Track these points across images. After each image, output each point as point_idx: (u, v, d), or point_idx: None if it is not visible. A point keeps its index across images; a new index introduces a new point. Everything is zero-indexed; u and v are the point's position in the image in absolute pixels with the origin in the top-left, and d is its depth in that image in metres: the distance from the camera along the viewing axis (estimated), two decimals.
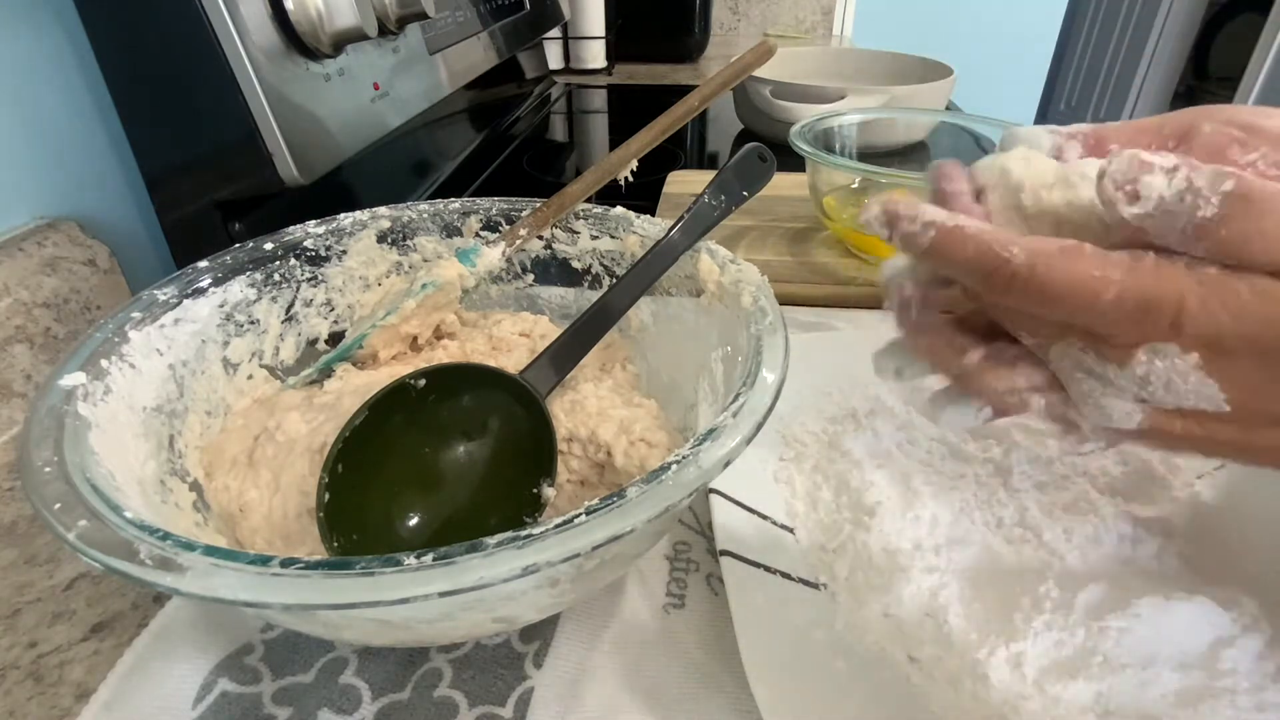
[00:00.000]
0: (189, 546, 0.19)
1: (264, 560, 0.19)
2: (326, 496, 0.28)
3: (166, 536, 0.20)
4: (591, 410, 0.33)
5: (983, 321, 0.24)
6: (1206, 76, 2.58)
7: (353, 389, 0.34)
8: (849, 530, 0.32)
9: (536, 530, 0.19)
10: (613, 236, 0.38)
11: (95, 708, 0.27)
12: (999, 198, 0.23)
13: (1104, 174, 0.20)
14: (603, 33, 1.30)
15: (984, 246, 0.21)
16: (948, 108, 0.96)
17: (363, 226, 0.38)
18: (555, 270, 0.40)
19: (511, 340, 0.38)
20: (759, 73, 0.80)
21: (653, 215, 0.38)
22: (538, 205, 0.39)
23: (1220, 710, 0.24)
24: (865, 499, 0.33)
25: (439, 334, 0.39)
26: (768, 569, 0.30)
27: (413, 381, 0.31)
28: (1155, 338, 0.20)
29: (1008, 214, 0.23)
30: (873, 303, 0.54)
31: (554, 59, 1.30)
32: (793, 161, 0.55)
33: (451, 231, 0.40)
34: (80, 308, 0.46)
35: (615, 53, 1.34)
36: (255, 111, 0.45)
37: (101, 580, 0.33)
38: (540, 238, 0.40)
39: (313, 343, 0.38)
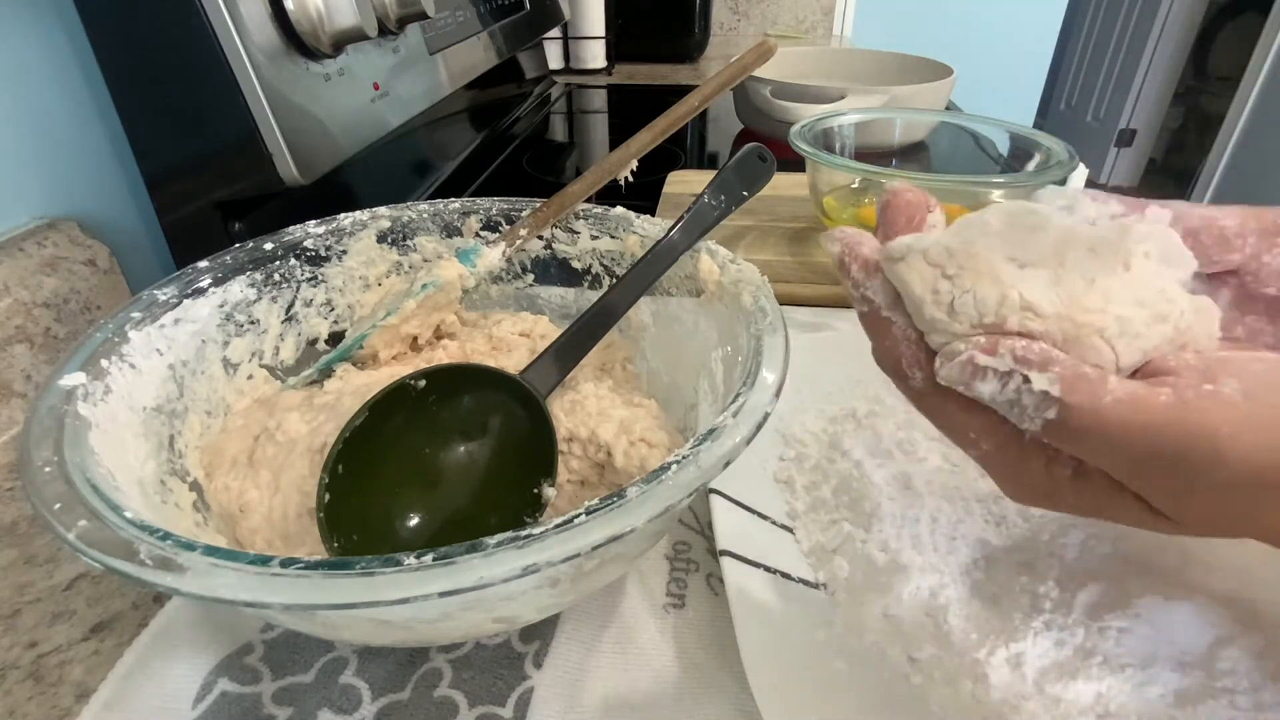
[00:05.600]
0: (189, 546, 0.19)
1: (264, 560, 0.19)
2: (326, 497, 0.28)
3: (166, 536, 0.20)
4: (591, 410, 0.33)
5: None
6: (1206, 76, 2.58)
7: (353, 389, 0.34)
8: (849, 530, 0.32)
9: (536, 530, 0.19)
10: (613, 236, 0.38)
11: (95, 708, 0.27)
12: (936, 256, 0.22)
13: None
14: (603, 33, 1.30)
15: (896, 363, 0.22)
16: (948, 108, 0.96)
17: (363, 226, 0.38)
18: (555, 270, 0.40)
19: (511, 340, 0.38)
20: (759, 73, 0.80)
21: (653, 215, 0.38)
22: (538, 205, 0.39)
23: (1220, 710, 0.24)
24: (865, 499, 0.33)
25: (439, 334, 0.39)
26: (768, 569, 0.30)
27: (413, 382, 0.31)
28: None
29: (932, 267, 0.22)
30: None
31: (554, 59, 1.30)
32: (793, 161, 0.55)
33: (451, 231, 0.40)
34: (80, 308, 0.46)
35: (615, 53, 1.34)
36: (255, 111, 0.45)
37: (101, 580, 0.33)
38: (540, 238, 0.40)
39: (313, 343, 0.38)
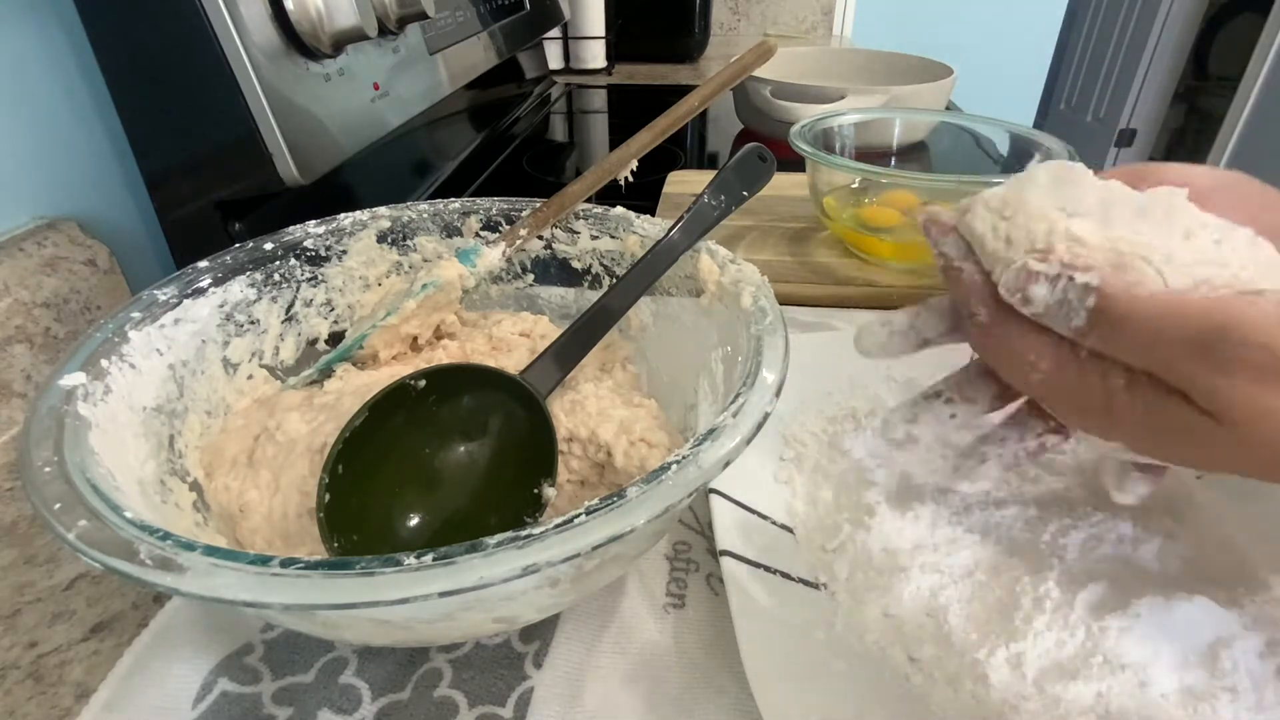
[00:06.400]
0: (189, 546, 0.19)
1: (264, 560, 0.19)
2: (326, 497, 0.28)
3: (166, 536, 0.20)
4: (591, 410, 0.33)
5: None
6: (1206, 76, 2.58)
7: (353, 389, 0.34)
8: (849, 530, 0.32)
9: (536, 530, 0.19)
10: (613, 236, 0.38)
11: (95, 708, 0.27)
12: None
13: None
14: (603, 33, 1.30)
15: (966, 302, 0.25)
16: (948, 108, 0.96)
17: (363, 226, 0.38)
18: (555, 270, 0.40)
19: (511, 340, 0.38)
20: (759, 73, 0.80)
21: (653, 215, 0.38)
22: (538, 205, 0.39)
23: (1220, 710, 0.24)
24: (865, 499, 0.33)
25: (439, 334, 0.39)
26: (768, 569, 0.30)
27: (413, 382, 0.31)
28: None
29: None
30: (873, 303, 0.54)
31: (554, 59, 1.30)
32: (793, 161, 0.55)
33: (451, 231, 0.40)
34: (80, 308, 0.46)
35: (615, 53, 1.34)
36: (255, 111, 0.45)
37: (101, 580, 0.33)
38: (540, 238, 0.40)
39: (313, 343, 0.38)
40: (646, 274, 0.34)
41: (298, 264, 0.37)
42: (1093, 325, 0.21)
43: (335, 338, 0.38)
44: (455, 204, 0.40)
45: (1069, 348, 0.22)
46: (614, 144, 0.39)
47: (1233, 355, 0.19)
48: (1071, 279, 0.21)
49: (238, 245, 0.35)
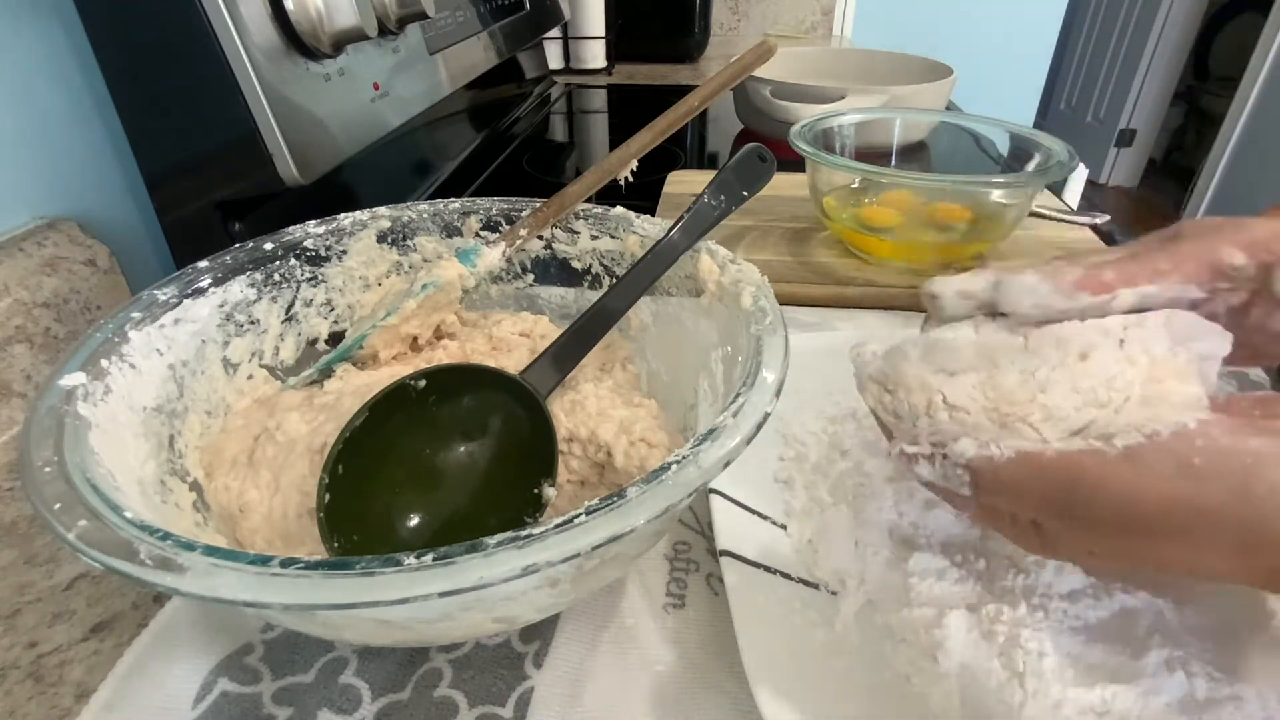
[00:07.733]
0: (189, 546, 0.19)
1: (264, 560, 0.19)
2: (326, 497, 0.28)
3: (166, 536, 0.20)
4: (591, 410, 0.33)
5: None
6: (1206, 76, 2.59)
7: (353, 389, 0.34)
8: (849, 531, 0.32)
9: (536, 530, 0.19)
10: (613, 236, 0.38)
11: (95, 708, 0.27)
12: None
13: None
14: (603, 33, 1.30)
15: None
16: (948, 107, 0.96)
17: (363, 226, 0.38)
18: (555, 270, 0.40)
19: (511, 340, 0.38)
20: (759, 73, 0.80)
21: (653, 215, 0.38)
22: (538, 205, 0.39)
23: (1224, 717, 0.24)
24: (865, 499, 0.33)
25: (439, 334, 0.39)
26: (768, 569, 0.30)
27: (413, 382, 0.31)
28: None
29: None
30: (873, 303, 0.54)
31: (554, 59, 1.30)
32: (793, 161, 0.55)
33: (451, 231, 0.40)
34: (80, 308, 0.46)
35: (615, 53, 1.34)
36: (255, 111, 0.45)
37: (101, 580, 0.33)
38: (540, 238, 0.40)
39: (313, 343, 0.38)
40: (646, 274, 0.34)
41: (298, 264, 0.37)
42: (975, 489, 0.24)
43: (335, 338, 0.38)
44: (455, 204, 0.40)
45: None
46: (614, 144, 0.39)
47: (1084, 510, 0.21)
48: (945, 456, 0.24)
49: (238, 245, 0.35)
